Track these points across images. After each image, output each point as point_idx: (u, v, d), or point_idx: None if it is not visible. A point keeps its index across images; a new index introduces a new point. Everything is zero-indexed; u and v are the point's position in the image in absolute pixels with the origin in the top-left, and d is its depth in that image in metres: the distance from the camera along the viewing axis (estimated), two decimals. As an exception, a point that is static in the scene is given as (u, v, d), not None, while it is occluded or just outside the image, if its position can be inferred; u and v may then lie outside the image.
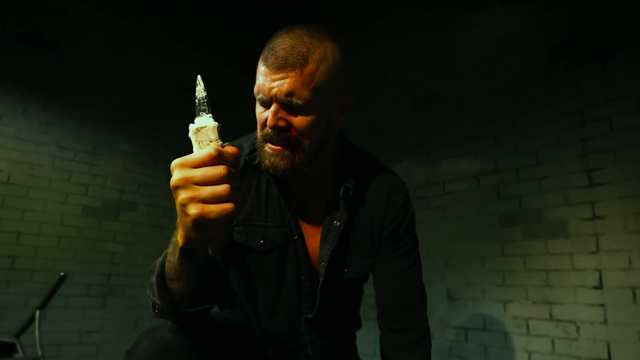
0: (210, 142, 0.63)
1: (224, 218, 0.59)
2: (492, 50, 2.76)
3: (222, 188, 0.58)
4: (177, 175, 0.59)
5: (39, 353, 2.19)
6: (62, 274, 2.25)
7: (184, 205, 0.59)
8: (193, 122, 0.65)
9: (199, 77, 0.67)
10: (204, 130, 0.63)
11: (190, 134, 0.64)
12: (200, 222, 0.60)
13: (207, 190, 0.58)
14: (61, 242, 3.08)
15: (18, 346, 2.22)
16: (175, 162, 0.61)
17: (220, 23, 4.18)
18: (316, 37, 0.83)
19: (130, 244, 3.38)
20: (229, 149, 0.62)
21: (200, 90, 0.66)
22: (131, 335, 3.16)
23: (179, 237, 0.66)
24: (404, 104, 3.26)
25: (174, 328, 0.82)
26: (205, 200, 0.58)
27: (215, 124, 0.64)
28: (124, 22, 3.62)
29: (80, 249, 3.15)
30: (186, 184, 0.59)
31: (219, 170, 0.58)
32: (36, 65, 3.16)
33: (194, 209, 0.58)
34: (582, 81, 2.29)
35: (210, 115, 0.65)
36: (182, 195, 0.59)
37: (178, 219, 0.65)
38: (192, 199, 0.58)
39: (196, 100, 0.66)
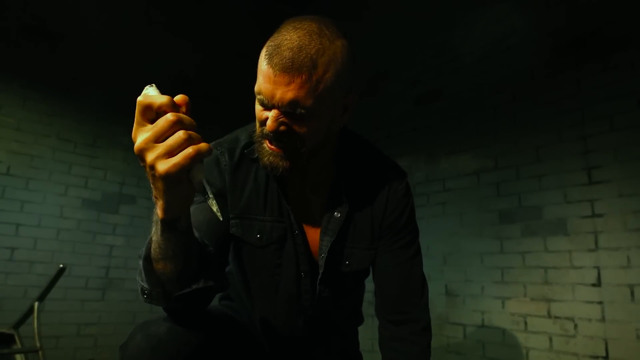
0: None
1: (189, 162, 0.57)
2: (494, 47, 2.76)
3: (177, 137, 0.57)
4: (137, 142, 0.58)
5: (37, 344, 2.19)
6: (61, 265, 2.25)
7: (152, 167, 0.58)
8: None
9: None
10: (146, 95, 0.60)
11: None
12: (170, 177, 0.58)
13: (164, 145, 0.57)
14: (60, 234, 3.08)
15: (16, 337, 2.22)
16: (134, 130, 0.59)
17: (222, 14, 4.17)
18: (326, 35, 0.77)
19: (130, 237, 3.38)
20: (179, 98, 0.59)
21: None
22: (129, 328, 3.12)
23: (158, 209, 0.65)
24: (405, 101, 3.26)
25: (168, 322, 0.80)
26: (169, 153, 0.57)
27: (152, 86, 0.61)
28: (125, 13, 3.61)
29: (79, 241, 3.15)
30: (147, 144, 0.57)
31: (168, 119, 0.57)
32: (37, 56, 3.15)
33: (161, 165, 0.57)
34: (583, 79, 2.30)
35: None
36: (149, 157, 0.58)
37: (153, 193, 0.63)
38: (157, 157, 0.57)
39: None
